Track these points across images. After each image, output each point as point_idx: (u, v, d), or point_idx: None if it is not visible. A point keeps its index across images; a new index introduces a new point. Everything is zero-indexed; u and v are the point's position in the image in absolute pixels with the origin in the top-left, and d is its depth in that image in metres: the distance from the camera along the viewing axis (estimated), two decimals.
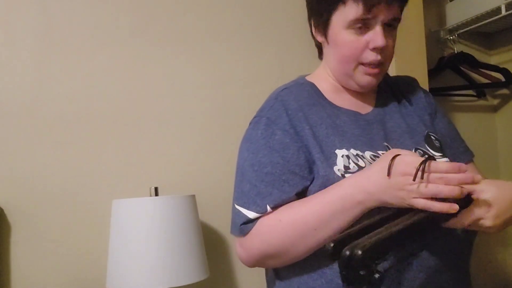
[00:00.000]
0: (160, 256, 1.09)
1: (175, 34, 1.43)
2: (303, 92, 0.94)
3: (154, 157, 1.38)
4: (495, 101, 1.89)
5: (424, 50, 1.53)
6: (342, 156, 0.85)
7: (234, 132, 1.46)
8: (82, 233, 1.29)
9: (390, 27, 0.89)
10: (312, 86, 0.96)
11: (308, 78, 1.00)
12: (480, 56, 1.84)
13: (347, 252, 0.61)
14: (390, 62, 0.93)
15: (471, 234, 0.87)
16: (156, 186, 1.27)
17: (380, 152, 0.88)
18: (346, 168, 0.84)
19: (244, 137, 0.94)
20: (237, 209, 0.86)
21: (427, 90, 1.49)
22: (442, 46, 1.80)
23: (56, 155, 1.29)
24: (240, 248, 0.87)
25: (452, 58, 1.74)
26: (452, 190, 0.69)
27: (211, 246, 1.40)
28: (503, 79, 1.77)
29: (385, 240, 0.64)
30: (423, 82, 1.50)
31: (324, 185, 0.83)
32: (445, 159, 0.93)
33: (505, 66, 1.77)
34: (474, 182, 0.70)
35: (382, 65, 0.90)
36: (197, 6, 1.46)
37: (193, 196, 1.22)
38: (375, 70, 0.89)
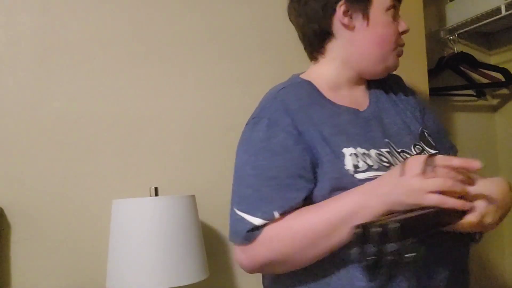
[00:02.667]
0: (160, 256, 1.09)
1: (175, 35, 1.43)
2: (302, 91, 0.92)
3: (154, 157, 1.38)
4: (495, 101, 1.89)
5: (424, 50, 1.53)
6: (350, 155, 0.84)
7: (234, 132, 1.45)
8: (82, 233, 1.29)
9: None
10: (310, 84, 0.94)
11: (304, 77, 0.98)
12: (480, 56, 1.84)
13: (379, 229, 0.58)
14: None
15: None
16: (156, 186, 1.27)
17: (383, 150, 0.87)
18: (356, 167, 0.83)
19: (242, 139, 0.91)
20: (239, 215, 0.82)
21: (427, 90, 1.51)
22: (442, 46, 1.80)
23: (56, 155, 1.29)
24: (242, 255, 0.83)
25: (452, 58, 1.73)
26: (454, 186, 0.69)
27: (211, 246, 1.40)
28: (503, 79, 1.77)
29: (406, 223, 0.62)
30: (423, 82, 1.50)
31: (335, 187, 0.81)
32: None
33: (505, 66, 1.77)
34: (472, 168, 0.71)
35: None
36: (196, 8, 1.46)
37: (193, 196, 1.22)
38: (402, 52, 0.96)
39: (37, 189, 1.27)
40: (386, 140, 0.90)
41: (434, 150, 0.95)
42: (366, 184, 0.79)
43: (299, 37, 1.02)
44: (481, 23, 1.65)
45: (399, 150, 0.90)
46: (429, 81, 1.54)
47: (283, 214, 0.80)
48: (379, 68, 0.95)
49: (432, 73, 1.68)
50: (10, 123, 1.27)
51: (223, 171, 1.43)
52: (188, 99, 1.43)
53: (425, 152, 0.93)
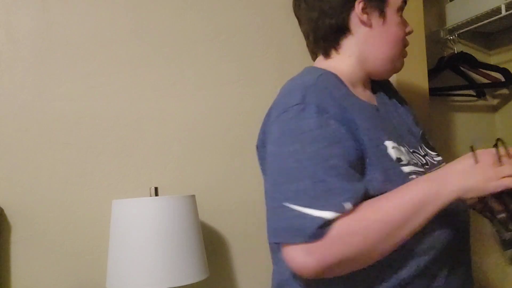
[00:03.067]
0: (160, 256, 1.09)
1: (175, 35, 1.43)
2: (336, 80, 0.88)
3: (154, 157, 1.38)
4: (495, 101, 1.89)
5: (424, 50, 1.53)
6: (393, 148, 0.83)
7: (234, 132, 1.46)
8: (82, 233, 1.29)
9: None
10: (337, 76, 0.89)
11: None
12: (480, 56, 1.84)
13: None
14: None
15: None
16: (156, 186, 1.27)
17: (406, 148, 0.88)
18: (399, 160, 0.81)
19: (285, 128, 0.80)
20: (298, 210, 0.72)
21: (427, 90, 1.51)
22: (442, 46, 1.80)
23: (56, 155, 1.29)
24: (308, 257, 0.72)
25: (452, 58, 1.73)
26: None
27: (211, 246, 1.40)
28: (503, 79, 1.77)
29: None
30: (423, 82, 1.50)
31: (385, 180, 0.78)
32: (440, 158, 0.94)
33: (505, 66, 1.77)
34: None
35: None
36: (197, 8, 1.46)
37: (193, 196, 1.22)
38: (406, 54, 0.97)
39: (37, 189, 1.27)
40: (400, 139, 0.91)
41: (434, 152, 0.95)
42: (431, 173, 0.77)
43: (306, 31, 0.98)
44: (481, 23, 1.65)
45: (411, 150, 0.90)
46: (429, 81, 1.54)
47: (355, 205, 0.74)
48: (389, 67, 0.95)
49: (432, 73, 1.68)
50: (10, 123, 1.27)
51: (223, 171, 1.44)
52: (188, 99, 1.43)
53: (428, 153, 0.94)
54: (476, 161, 0.73)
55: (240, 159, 1.46)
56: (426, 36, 1.55)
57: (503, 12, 1.53)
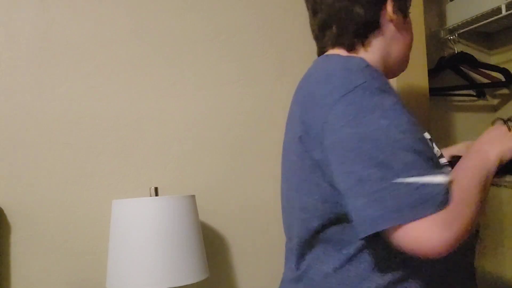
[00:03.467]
0: (160, 256, 1.09)
1: (175, 35, 1.44)
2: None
3: (154, 157, 1.38)
4: (495, 101, 1.89)
5: (424, 50, 1.52)
6: (429, 139, 0.85)
7: (234, 132, 1.46)
8: (82, 233, 1.29)
9: None
10: None
11: None
12: (480, 56, 1.84)
13: None
14: None
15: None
16: (156, 186, 1.27)
17: None
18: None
19: (360, 107, 0.74)
20: (417, 182, 0.68)
21: (427, 89, 1.51)
22: (442, 46, 1.80)
23: (56, 155, 1.29)
24: (443, 229, 0.67)
25: (452, 58, 1.73)
26: None
27: (211, 246, 1.40)
28: (503, 79, 1.77)
29: None
30: (423, 82, 1.50)
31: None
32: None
33: (505, 66, 1.77)
34: None
35: None
36: (197, 8, 1.46)
37: (193, 196, 1.22)
38: None
39: (37, 189, 1.27)
40: None
41: None
42: (473, 147, 0.82)
43: (323, 21, 0.93)
44: (481, 23, 1.65)
45: None
46: (429, 81, 1.54)
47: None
48: (399, 68, 0.96)
49: (432, 73, 1.68)
50: (10, 123, 1.27)
51: (223, 171, 1.44)
52: (188, 99, 1.43)
53: None
54: (510, 129, 0.82)
55: (240, 159, 1.46)
56: (426, 36, 1.55)
57: (503, 12, 1.53)
